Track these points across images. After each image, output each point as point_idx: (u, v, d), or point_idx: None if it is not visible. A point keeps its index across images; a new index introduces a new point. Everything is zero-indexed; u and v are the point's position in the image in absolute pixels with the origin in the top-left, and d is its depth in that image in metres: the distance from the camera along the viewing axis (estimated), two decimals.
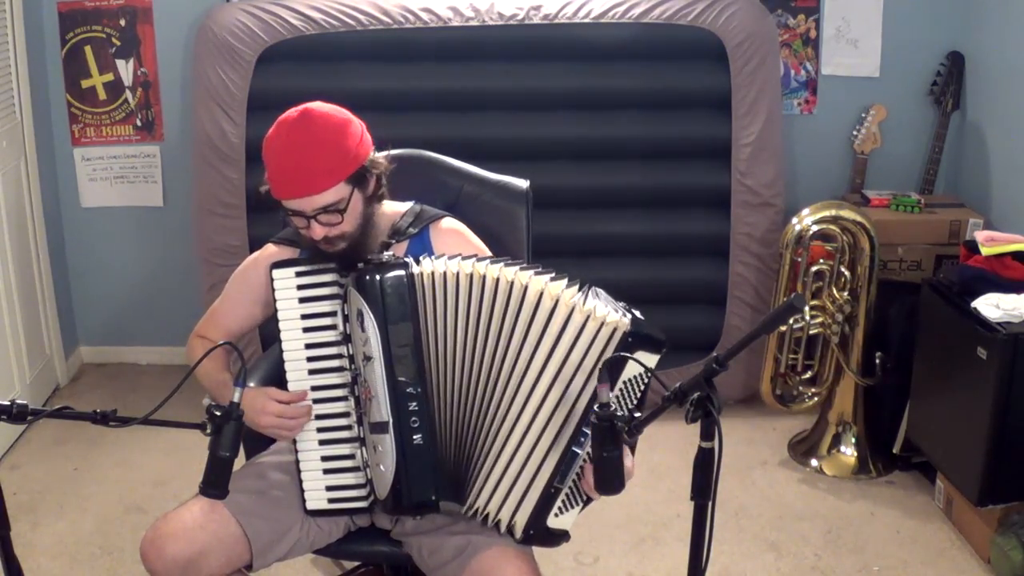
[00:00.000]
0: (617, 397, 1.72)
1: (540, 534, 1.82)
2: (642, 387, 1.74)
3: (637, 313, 1.75)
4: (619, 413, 1.59)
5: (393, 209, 2.02)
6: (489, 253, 2.02)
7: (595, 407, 1.63)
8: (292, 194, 1.82)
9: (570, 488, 1.80)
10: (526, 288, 1.75)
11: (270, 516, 1.91)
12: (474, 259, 1.83)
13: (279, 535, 1.91)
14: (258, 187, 1.91)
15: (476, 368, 1.80)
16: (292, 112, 1.86)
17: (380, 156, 1.92)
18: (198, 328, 2.14)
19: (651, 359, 1.72)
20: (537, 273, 1.78)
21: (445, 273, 1.80)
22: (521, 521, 1.82)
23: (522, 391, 1.77)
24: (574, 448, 1.75)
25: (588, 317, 1.72)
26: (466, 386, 1.82)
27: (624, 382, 1.72)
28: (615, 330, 1.71)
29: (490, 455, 1.82)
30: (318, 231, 1.84)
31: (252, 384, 2.05)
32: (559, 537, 1.84)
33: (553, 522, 1.81)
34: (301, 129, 1.83)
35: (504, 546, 1.83)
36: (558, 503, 1.80)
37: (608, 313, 1.72)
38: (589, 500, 1.83)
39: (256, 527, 1.88)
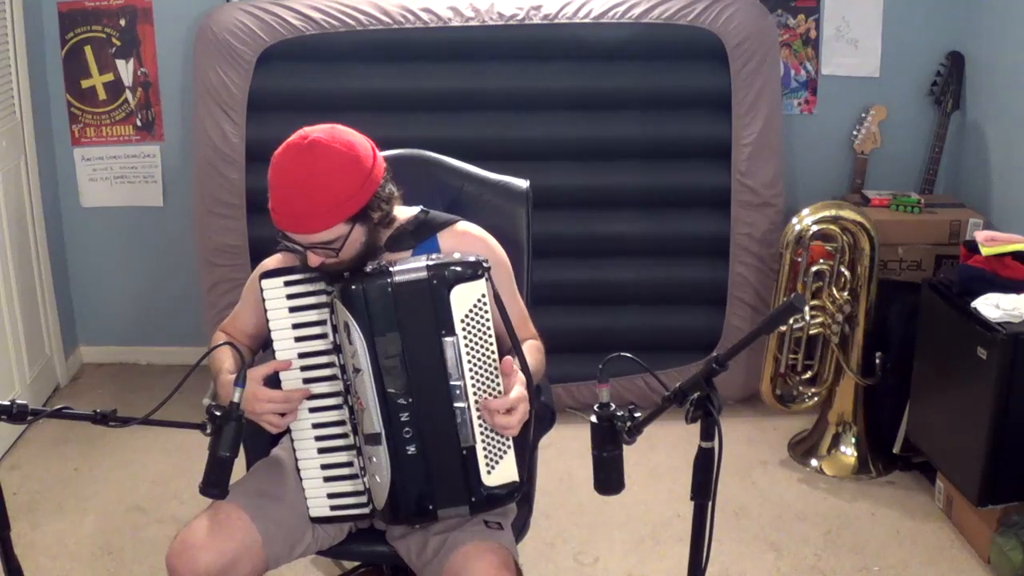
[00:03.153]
0: (465, 334, 1.76)
1: (484, 498, 1.82)
2: (485, 313, 1.77)
3: (457, 256, 1.80)
4: (476, 346, 1.74)
5: (399, 214, 1.98)
6: (504, 255, 2.02)
7: (595, 407, 1.64)
8: (287, 228, 1.80)
9: (484, 441, 1.80)
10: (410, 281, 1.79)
11: (285, 521, 1.90)
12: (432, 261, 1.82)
13: (294, 540, 1.91)
14: (260, 191, 1.89)
15: (432, 371, 1.80)
16: (301, 138, 1.80)
17: (390, 186, 1.87)
18: (223, 324, 2.11)
19: (473, 288, 1.76)
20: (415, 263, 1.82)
21: (413, 281, 1.78)
22: (462, 495, 1.82)
23: (433, 378, 1.80)
24: (456, 405, 1.78)
25: (407, 282, 1.77)
26: (433, 392, 1.81)
27: (462, 320, 1.76)
28: (415, 283, 1.77)
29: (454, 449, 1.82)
30: (313, 260, 1.82)
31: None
32: (510, 492, 1.83)
33: (490, 479, 1.81)
34: (304, 164, 1.77)
35: (479, 541, 1.83)
36: (482, 461, 1.80)
37: (411, 273, 1.78)
38: (533, 448, 1.86)
39: (273, 533, 1.87)
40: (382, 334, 1.77)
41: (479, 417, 1.79)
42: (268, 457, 2.07)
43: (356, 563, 2.49)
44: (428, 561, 1.86)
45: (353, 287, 1.78)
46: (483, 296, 1.77)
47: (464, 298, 1.76)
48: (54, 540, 2.88)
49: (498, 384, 1.80)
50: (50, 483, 3.19)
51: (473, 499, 1.81)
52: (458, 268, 1.76)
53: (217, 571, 1.79)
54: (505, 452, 1.82)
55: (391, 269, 1.80)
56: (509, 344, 1.85)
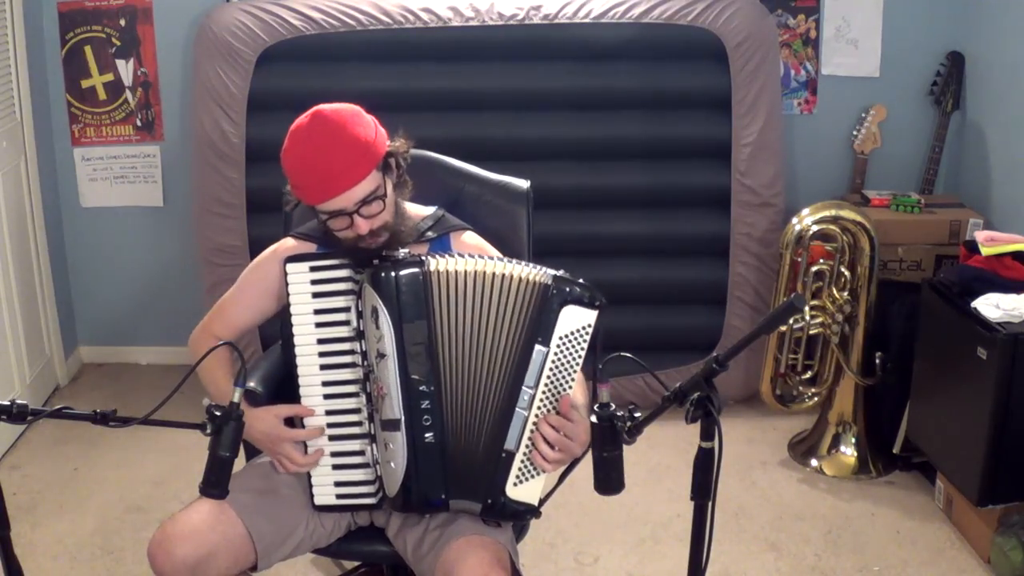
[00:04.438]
0: (557, 352, 1.77)
1: (500, 505, 1.83)
2: (583, 343, 1.78)
3: (581, 280, 1.81)
4: (560, 368, 1.75)
5: (415, 211, 2.04)
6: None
7: (595, 407, 1.64)
8: (330, 195, 1.83)
9: (525, 455, 1.81)
10: (503, 276, 1.81)
11: (275, 516, 1.91)
12: (485, 259, 1.85)
13: (284, 535, 1.91)
14: (260, 191, 1.91)
15: (478, 364, 1.83)
16: (302, 118, 1.86)
17: (397, 140, 1.93)
18: (205, 324, 2.11)
19: (584, 314, 1.77)
20: (531, 267, 1.83)
21: (458, 272, 1.82)
22: (480, 493, 1.83)
23: (490, 372, 1.82)
24: (518, 408, 1.79)
25: (516, 279, 1.80)
26: (473, 384, 1.83)
27: (561, 338, 1.77)
28: (532, 284, 1.79)
29: (483, 444, 1.84)
30: (363, 225, 1.85)
31: (252, 384, 2.05)
32: (524, 511, 1.84)
33: (513, 492, 1.82)
34: (319, 132, 1.83)
35: (471, 536, 1.84)
36: (514, 470, 1.81)
37: (532, 273, 1.80)
38: (561, 478, 1.87)
39: (261, 527, 1.88)
40: (410, 321, 1.80)
41: (532, 431, 1.80)
42: (256, 457, 2.07)
43: (356, 563, 2.49)
44: (425, 555, 1.87)
45: (383, 273, 1.80)
46: (588, 326, 1.78)
47: (571, 319, 1.77)
48: (54, 540, 2.88)
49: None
50: (50, 483, 3.19)
51: (489, 501, 1.82)
52: (579, 289, 1.78)
53: (194, 562, 1.80)
54: (537, 474, 1.83)
55: (424, 257, 1.84)
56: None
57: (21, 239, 3.54)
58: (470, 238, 2.06)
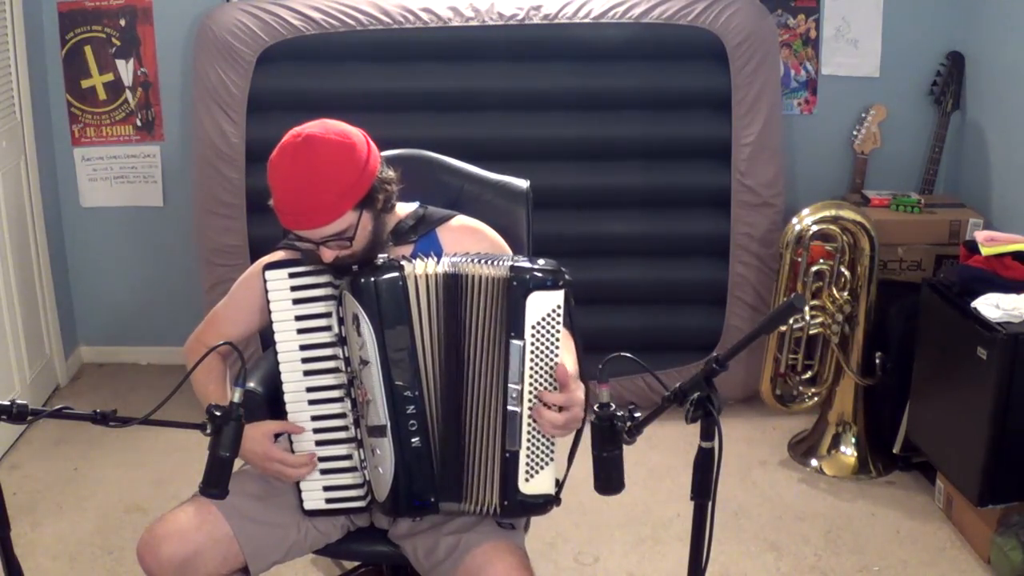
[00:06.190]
0: (533, 341, 1.74)
1: (517, 504, 1.80)
2: (556, 325, 1.75)
3: (541, 262, 1.76)
4: (541, 355, 1.71)
5: (397, 211, 1.99)
6: (507, 247, 2.01)
7: (595, 407, 1.64)
8: (297, 226, 1.80)
9: (529, 449, 1.79)
10: (470, 276, 1.78)
11: (264, 519, 1.91)
12: (459, 257, 1.83)
13: (275, 538, 1.91)
14: (260, 191, 1.89)
15: (460, 366, 1.81)
16: (295, 136, 1.81)
17: (388, 171, 1.88)
18: (198, 334, 2.11)
19: (550, 296, 1.73)
20: (507, 262, 1.79)
21: (430, 275, 1.79)
22: (495, 497, 1.81)
23: (473, 373, 1.80)
24: (509, 407, 1.76)
25: (479, 277, 1.76)
26: (458, 386, 1.82)
27: (533, 327, 1.73)
28: (494, 281, 1.75)
29: (473, 446, 1.83)
30: (327, 255, 1.81)
31: (252, 384, 2.05)
32: (542, 503, 1.82)
33: (527, 487, 1.80)
34: (303, 159, 1.77)
35: (495, 542, 1.83)
36: (523, 467, 1.79)
37: (491, 269, 1.76)
38: (571, 459, 1.83)
39: (248, 531, 1.88)
40: (391, 327, 1.78)
41: (530, 424, 1.77)
42: None
43: (356, 563, 2.49)
44: (440, 561, 1.86)
45: (363, 279, 1.78)
46: (559, 307, 1.74)
47: (539, 305, 1.73)
48: (54, 540, 2.88)
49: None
50: (50, 483, 3.19)
51: (505, 502, 1.80)
52: (539, 274, 1.73)
53: (180, 560, 1.80)
54: (547, 464, 1.81)
55: (402, 262, 1.81)
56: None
57: (21, 239, 3.54)
58: (458, 221, 2.01)
